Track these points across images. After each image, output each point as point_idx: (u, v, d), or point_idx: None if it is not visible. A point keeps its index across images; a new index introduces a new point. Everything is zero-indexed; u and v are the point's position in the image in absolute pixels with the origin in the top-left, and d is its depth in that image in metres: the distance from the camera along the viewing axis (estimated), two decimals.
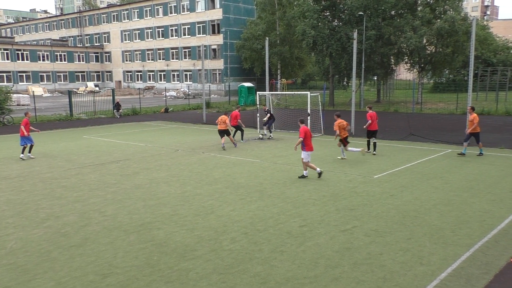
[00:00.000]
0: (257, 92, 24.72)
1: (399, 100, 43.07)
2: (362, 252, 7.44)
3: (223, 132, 18.16)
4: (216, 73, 63.98)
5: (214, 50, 63.62)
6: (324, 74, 48.59)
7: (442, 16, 37.64)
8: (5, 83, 54.98)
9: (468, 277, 6.46)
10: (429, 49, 39.70)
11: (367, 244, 7.76)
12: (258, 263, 7.03)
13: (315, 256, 7.26)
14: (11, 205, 10.33)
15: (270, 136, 21.32)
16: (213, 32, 63.27)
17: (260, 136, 21.49)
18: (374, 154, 16.22)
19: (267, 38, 27.79)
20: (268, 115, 21.12)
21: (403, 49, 39.77)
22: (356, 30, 26.68)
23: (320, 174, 12.69)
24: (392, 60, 43.11)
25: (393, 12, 40.18)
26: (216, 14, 62.26)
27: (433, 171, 13.54)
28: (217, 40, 62.63)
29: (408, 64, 41.99)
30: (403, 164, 14.70)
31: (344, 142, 15.06)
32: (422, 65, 40.51)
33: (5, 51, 68.01)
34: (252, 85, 47.74)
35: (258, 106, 23.84)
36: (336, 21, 41.56)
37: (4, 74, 66.51)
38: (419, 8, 39.20)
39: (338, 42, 39.11)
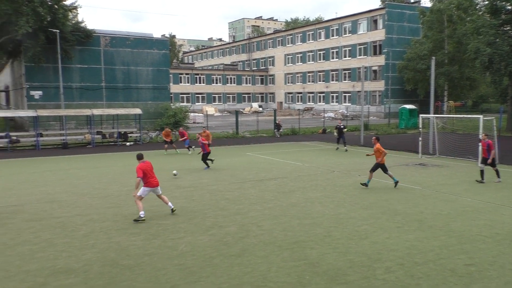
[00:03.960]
0: (420, 115, 23.26)
1: None
2: None
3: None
4: (375, 95, 62.44)
5: (374, 71, 62.32)
6: (501, 96, 43.19)
7: None
8: (185, 103, 62.76)
9: None
10: None
11: None
12: None
13: None
14: (183, 212, 11.62)
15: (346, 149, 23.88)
16: (374, 53, 62.09)
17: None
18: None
19: (433, 57, 26.07)
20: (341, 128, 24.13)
21: None
22: None
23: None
24: None
25: None
26: (379, 35, 61.05)
27: None
28: (378, 61, 61.24)
29: None
30: None
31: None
32: None
33: (187, 76, 77.72)
34: (415, 107, 45.16)
35: (420, 129, 22.42)
36: None
37: (185, 96, 75.91)
38: None
39: None
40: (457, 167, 18.87)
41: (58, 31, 31.81)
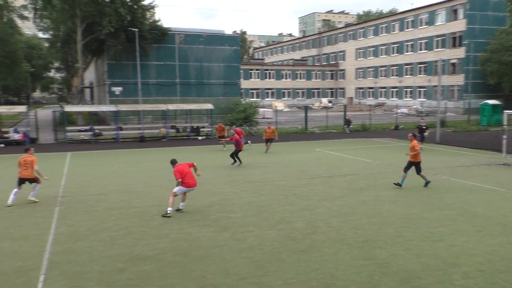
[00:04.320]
0: (504, 111, 21.61)
1: None
2: None
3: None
4: (454, 89, 58.88)
5: (453, 64, 58.74)
6: None
7: None
8: (255, 99, 63.52)
9: None
10: None
11: None
12: None
13: None
14: (252, 206, 11.81)
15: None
16: (453, 46, 58.47)
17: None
18: None
19: None
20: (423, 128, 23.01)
21: None
22: None
23: None
24: None
25: None
26: (458, 25, 57.39)
27: None
28: (457, 53, 57.62)
29: None
30: None
31: None
32: None
33: (257, 71, 78.51)
34: (499, 103, 41.98)
35: (504, 127, 20.84)
36: None
37: (254, 91, 76.78)
38: None
39: None
40: None
41: (137, 30, 33.57)
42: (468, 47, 55.95)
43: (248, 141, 24.84)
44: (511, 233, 9.31)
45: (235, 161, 18.54)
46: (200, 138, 30.96)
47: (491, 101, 42.35)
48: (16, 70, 44.20)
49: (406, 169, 14.14)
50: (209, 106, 32.83)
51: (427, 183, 14.03)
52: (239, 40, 46.47)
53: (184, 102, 37.93)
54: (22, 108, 31.40)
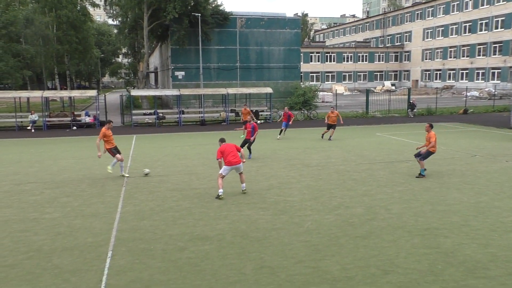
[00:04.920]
0: None
1: None
2: None
3: None
4: None
5: None
6: None
7: None
8: (315, 82, 62.63)
9: None
10: None
11: None
12: None
13: None
14: (310, 190, 11.74)
15: None
16: None
17: None
18: None
19: None
20: None
21: None
22: None
23: None
24: None
25: None
26: None
27: None
28: None
29: None
30: None
31: None
32: None
33: (317, 54, 77.21)
34: None
35: None
36: None
37: (314, 75, 75.68)
38: None
39: None
40: None
41: (199, 14, 34.15)
42: None
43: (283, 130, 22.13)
44: None
45: (250, 152, 16.70)
46: (259, 122, 31.16)
47: None
48: (88, 56, 46.76)
49: (423, 158, 13.07)
50: (268, 90, 32.85)
51: (422, 173, 13.05)
52: (300, 22, 45.80)
53: (243, 86, 38.27)
54: (92, 93, 33.22)
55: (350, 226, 8.79)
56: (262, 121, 31.46)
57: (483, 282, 6.30)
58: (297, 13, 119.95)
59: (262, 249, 7.68)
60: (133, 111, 30.62)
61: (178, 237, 8.36)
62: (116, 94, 58.37)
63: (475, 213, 9.46)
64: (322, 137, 21.76)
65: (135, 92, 34.64)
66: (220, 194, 10.94)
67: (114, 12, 47.84)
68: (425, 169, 13.13)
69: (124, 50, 76.91)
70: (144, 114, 32.79)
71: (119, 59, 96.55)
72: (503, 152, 17.02)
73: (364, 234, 8.36)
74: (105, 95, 36.61)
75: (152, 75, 65.26)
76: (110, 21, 68.54)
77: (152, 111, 32.87)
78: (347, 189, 11.78)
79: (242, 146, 14.66)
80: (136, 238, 8.30)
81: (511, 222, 8.82)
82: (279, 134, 22.04)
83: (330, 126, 21.40)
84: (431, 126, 13.24)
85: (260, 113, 32.30)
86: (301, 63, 48.41)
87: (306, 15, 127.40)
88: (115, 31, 63.46)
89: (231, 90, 32.78)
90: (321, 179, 13.05)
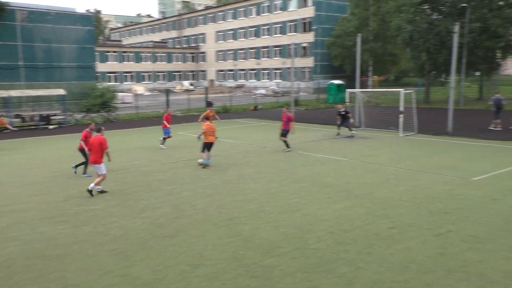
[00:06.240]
0: (347, 90, 24.19)
1: (505, 97, 39.28)
2: (457, 258, 6.98)
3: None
4: (305, 71, 63.81)
5: (304, 48, 63.47)
6: (419, 71, 46.02)
7: None
8: (113, 83, 60.06)
9: None
10: None
11: (463, 251, 7.27)
12: (344, 263, 6.92)
13: (405, 260, 6.96)
14: (115, 196, 11.29)
15: (352, 134, 20.91)
16: (304, 30, 63.13)
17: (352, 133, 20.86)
18: None
19: (359, 34, 27.01)
20: (343, 114, 21.07)
21: None
22: (459, 23, 24.76)
23: None
24: (499, 54, 39.55)
25: (501, 3, 36.73)
26: (308, 12, 62.03)
27: None
28: (307, 38, 62.39)
29: None
30: (508, 166, 13.44)
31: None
32: None
33: (114, 54, 74.31)
34: (342, 83, 46.84)
35: (347, 104, 23.34)
36: (435, 14, 39.09)
37: (112, 75, 72.68)
38: None
39: (436, 37, 36.74)
40: (381, 138, 19.97)
41: None
42: (316, 32, 60.91)
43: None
44: (354, 197, 10.57)
45: (288, 146, 17.47)
46: (51, 127, 28.27)
47: (336, 81, 47.08)
48: None
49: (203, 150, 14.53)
50: (61, 91, 30.13)
51: (204, 163, 14.50)
52: (93, 19, 43.16)
53: (31, 87, 34.06)
54: None
55: (158, 227, 8.81)
56: (56, 126, 28.65)
57: (277, 260, 7.14)
58: (88, 10, 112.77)
59: (63, 267, 7.05)
60: None
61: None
62: None
63: (267, 199, 10.61)
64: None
65: None
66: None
67: None
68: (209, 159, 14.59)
69: None
70: None
71: None
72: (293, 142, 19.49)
73: (172, 233, 8.49)
74: None
75: None
76: None
77: None
78: (153, 190, 11.75)
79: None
80: None
81: (295, 204, 10.20)
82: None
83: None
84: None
85: (51, 118, 29.34)
86: (97, 62, 45.84)
87: (99, 12, 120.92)
88: None
89: (15, 93, 28.87)
90: (126, 182, 12.68)
